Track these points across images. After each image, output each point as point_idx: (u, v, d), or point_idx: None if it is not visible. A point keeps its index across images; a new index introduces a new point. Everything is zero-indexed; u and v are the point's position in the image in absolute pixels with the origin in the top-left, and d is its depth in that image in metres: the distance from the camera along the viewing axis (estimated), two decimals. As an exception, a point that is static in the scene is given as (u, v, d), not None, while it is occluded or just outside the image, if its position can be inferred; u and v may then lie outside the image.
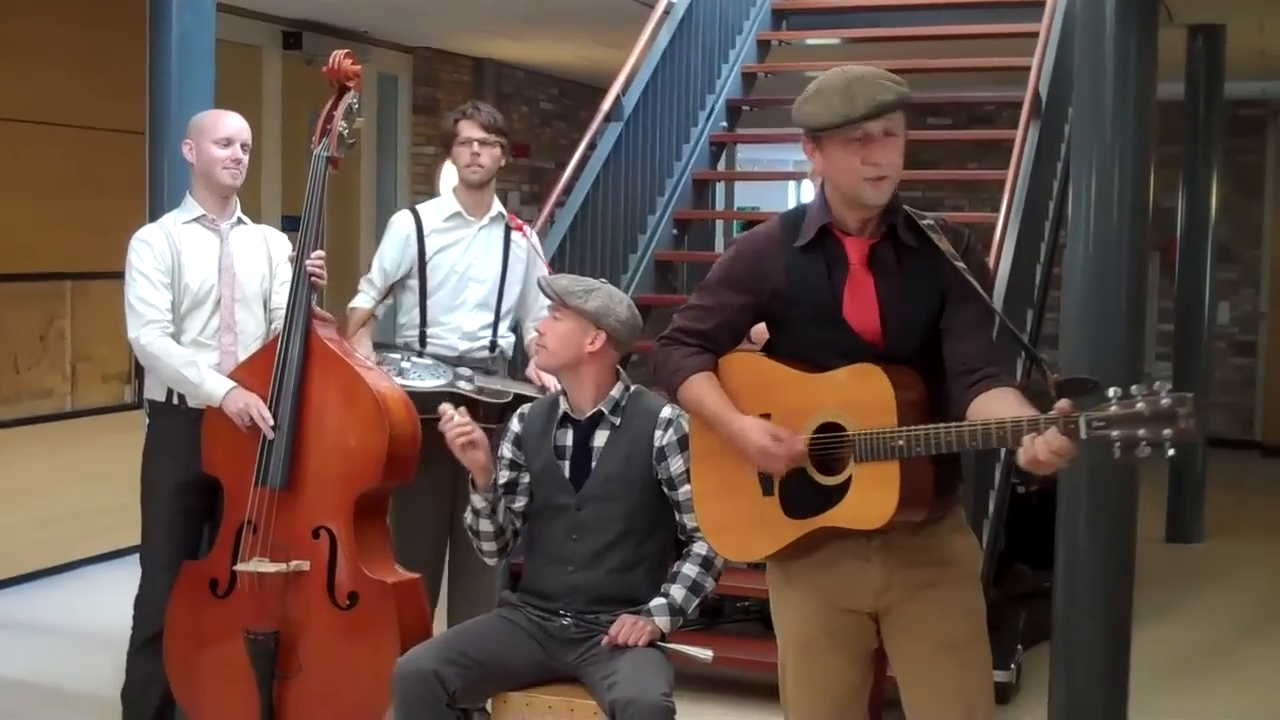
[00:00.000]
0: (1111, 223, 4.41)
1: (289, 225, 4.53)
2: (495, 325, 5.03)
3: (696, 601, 3.89)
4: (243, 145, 4.48)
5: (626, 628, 3.80)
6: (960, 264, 2.95)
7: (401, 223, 5.04)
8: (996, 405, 2.82)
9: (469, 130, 4.98)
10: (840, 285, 3.03)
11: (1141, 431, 2.53)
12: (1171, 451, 2.52)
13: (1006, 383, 2.90)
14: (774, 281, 3.09)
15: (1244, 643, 6.70)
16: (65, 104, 7.38)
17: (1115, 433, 2.56)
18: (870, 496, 2.92)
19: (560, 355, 3.90)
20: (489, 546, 4.00)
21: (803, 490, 3.02)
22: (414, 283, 4.99)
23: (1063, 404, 2.65)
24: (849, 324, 3.02)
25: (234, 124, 4.50)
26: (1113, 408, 2.57)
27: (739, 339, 3.21)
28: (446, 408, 3.87)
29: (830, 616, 3.14)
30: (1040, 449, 2.65)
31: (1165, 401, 2.53)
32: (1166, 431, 2.52)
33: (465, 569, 4.82)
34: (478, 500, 3.92)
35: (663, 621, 3.83)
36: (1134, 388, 2.57)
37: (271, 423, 4.23)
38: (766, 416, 3.06)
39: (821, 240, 3.04)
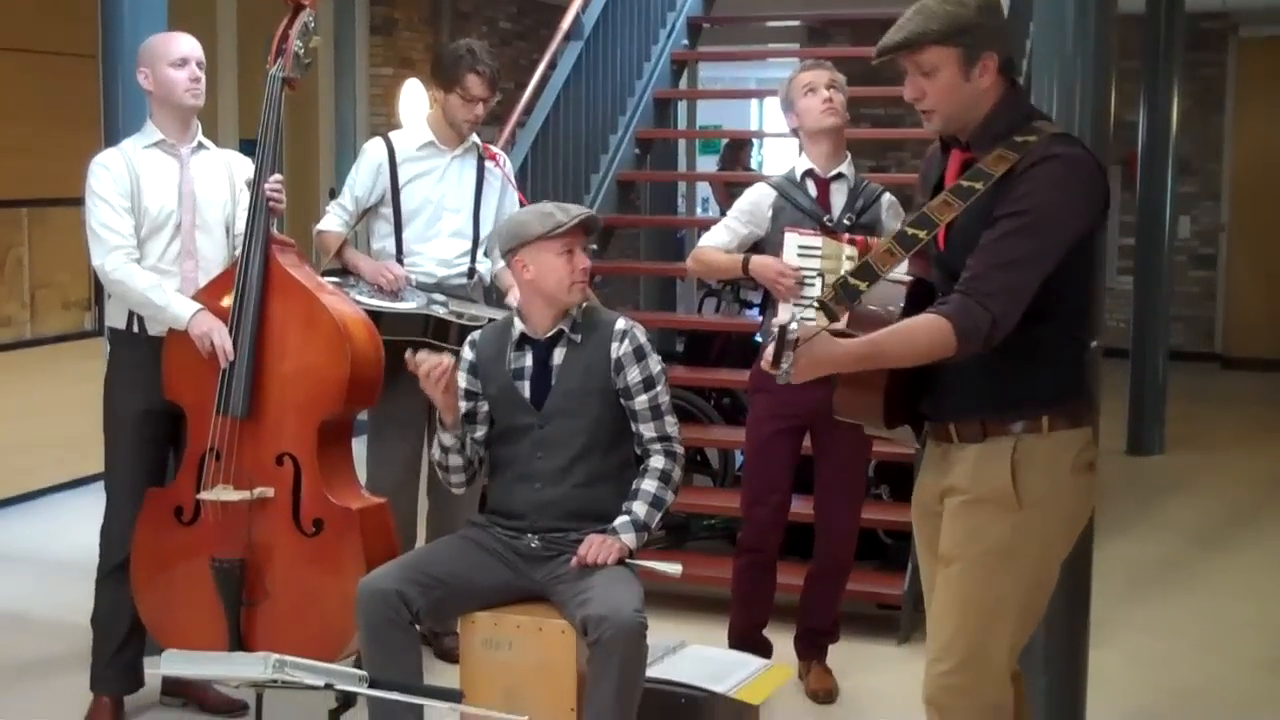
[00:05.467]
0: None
1: (246, 149, 4.48)
2: (473, 252, 5.03)
3: (659, 516, 3.95)
4: (198, 63, 4.41)
5: (595, 547, 3.83)
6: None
7: (374, 150, 5.03)
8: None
9: (477, 89, 4.95)
10: (935, 191, 3.16)
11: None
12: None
13: (939, 309, 2.95)
14: (925, 192, 3.24)
15: (1204, 554, 6.77)
16: (17, 28, 7.26)
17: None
18: None
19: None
20: (457, 479, 4.04)
21: None
22: (388, 211, 4.99)
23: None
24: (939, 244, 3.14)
25: (187, 43, 4.42)
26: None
27: None
28: (419, 356, 3.86)
29: (918, 499, 3.32)
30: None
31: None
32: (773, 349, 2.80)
33: (441, 495, 4.84)
34: (447, 438, 3.94)
35: (629, 538, 3.86)
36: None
37: (231, 352, 4.21)
38: None
39: (949, 146, 3.17)
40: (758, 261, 4.56)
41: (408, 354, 3.87)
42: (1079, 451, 3.12)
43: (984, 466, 3.08)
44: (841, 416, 3.24)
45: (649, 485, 3.95)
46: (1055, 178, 2.96)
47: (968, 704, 3.12)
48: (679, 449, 4.01)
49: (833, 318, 2.97)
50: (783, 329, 2.76)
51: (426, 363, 3.82)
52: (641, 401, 3.95)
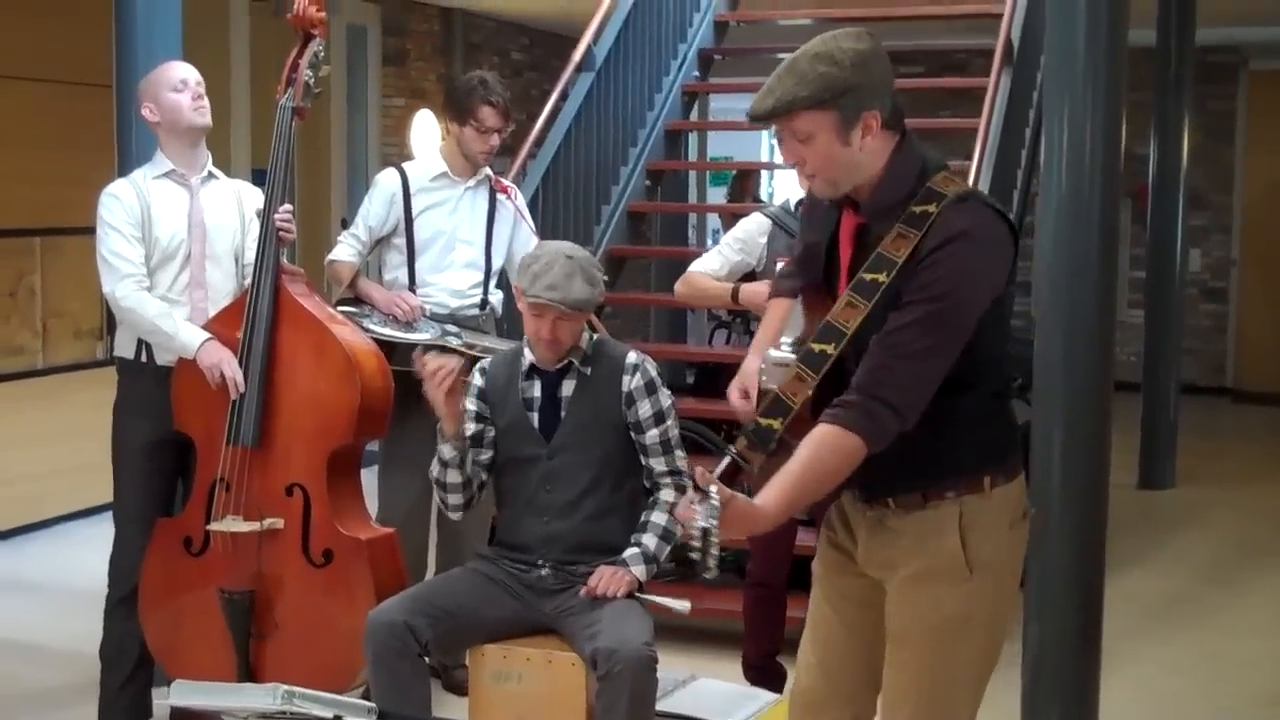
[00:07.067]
0: (1084, 170, 4.40)
1: (259, 179, 4.49)
2: (485, 284, 5.04)
3: (668, 549, 3.93)
4: (197, 83, 4.44)
5: (605, 579, 3.82)
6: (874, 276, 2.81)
7: (387, 180, 5.05)
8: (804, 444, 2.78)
9: (491, 119, 4.99)
10: (834, 255, 2.99)
11: (695, 542, 2.60)
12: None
13: (842, 419, 2.76)
14: (818, 231, 3.06)
15: (1215, 589, 6.75)
16: (32, 56, 7.29)
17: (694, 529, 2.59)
18: None
19: (576, 340, 3.94)
20: (455, 500, 4.00)
21: None
22: (400, 241, 5.00)
23: (698, 473, 2.64)
24: (837, 295, 2.93)
25: (182, 68, 4.46)
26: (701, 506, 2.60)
27: (822, 272, 3.12)
28: (427, 356, 3.86)
29: (831, 552, 3.12)
30: (680, 503, 2.71)
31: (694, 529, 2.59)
32: (694, 555, 2.60)
33: (452, 527, 4.84)
34: (446, 450, 3.92)
35: (639, 570, 3.86)
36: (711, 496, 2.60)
37: (242, 384, 4.21)
38: None
39: (840, 204, 2.95)
40: (749, 289, 4.55)
41: (415, 353, 3.87)
42: (1016, 505, 2.98)
43: (931, 539, 2.92)
44: None
45: (658, 518, 3.95)
46: (964, 259, 2.75)
47: None
48: (688, 483, 3.98)
49: (747, 467, 2.77)
50: (705, 533, 2.57)
51: (433, 363, 3.82)
52: (652, 436, 3.94)
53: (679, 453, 3.99)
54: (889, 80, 2.81)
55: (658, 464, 3.97)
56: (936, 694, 2.96)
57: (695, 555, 2.58)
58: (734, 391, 3.17)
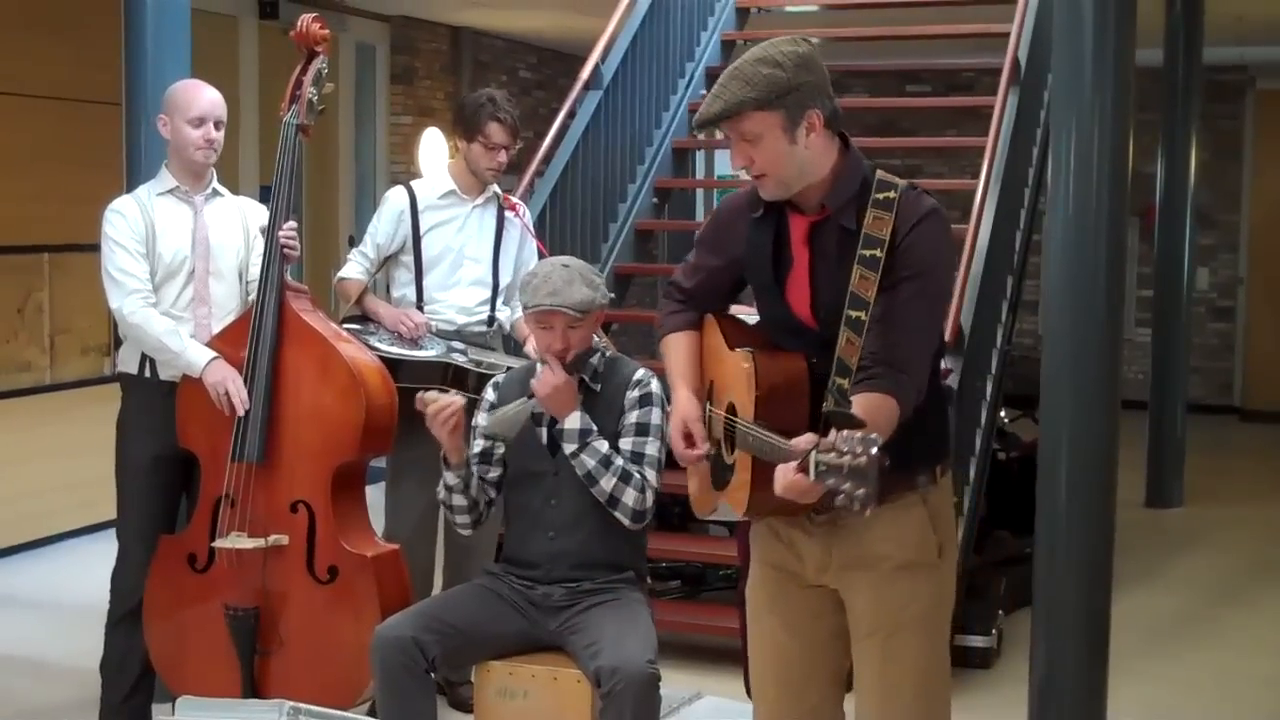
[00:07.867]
0: (1091, 189, 4.41)
1: (267, 196, 4.50)
2: (493, 301, 5.05)
3: (596, 463, 3.83)
4: (216, 123, 4.43)
5: (547, 384, 3.81)
6: (871, 253, 2.88)
7: (396, 198, 5.07)
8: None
9: (498, 136, 5.00)
10: (783, 262, 3.02)
11: (846, 485, 2.49)
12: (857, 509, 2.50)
13: (878, 386, 2.81)
14: (736, 249, 3.11)
15: (1223, 607, 6.73)
16: (41, 75, 7.32)
17: (832, 480, 2.50)
18: (739, 481, 2.93)
19: (587, 346, 3.93)
20: (462, 519, 4.00)
21: (717, 464, 3.07)
22: (408, 259, 5.02)
23: (801, 440, 2.61)
24: (788, 302, 3.01)
25: (207, 100, 4.44)
26: (835, 455, 2.51)
27: (724, 299, 3.21)
28: (428, 396, 3.85)
29: (772, 576, 3.15)
30: (779, 481, 2.65)
31: (860, 462, 2.48)
32: (860, 491, 2.48)
33: (459, 541, 4.84)
34: (450, 477, 3.92)
35: (575, 419, 3.84)
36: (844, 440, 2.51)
37: (247, 402, 4.22)
38: (712, 383, 3.12)
39: (774, 213, 3.02)
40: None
41: (418, 395, 3.87)
42: (951, 490, 3.14)
43: (905, 531, 2.99)
44: (759, 517, 3.08)
45: (623, 462, 3.86)
46: (939, 235, 2.92)
47: None
48: (649, 491, 3.89)
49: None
50: (879, 462, 2.48)
51: (435, 403, 3.82)
52: (625, 444, 3.90)
53: (650, 471, 3.90)
54: (827, 81, 2.93)
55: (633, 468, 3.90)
56: (931, 676, 3.06)
57: (865, 489, 2.48)
58: (678, 438, 3.08)
